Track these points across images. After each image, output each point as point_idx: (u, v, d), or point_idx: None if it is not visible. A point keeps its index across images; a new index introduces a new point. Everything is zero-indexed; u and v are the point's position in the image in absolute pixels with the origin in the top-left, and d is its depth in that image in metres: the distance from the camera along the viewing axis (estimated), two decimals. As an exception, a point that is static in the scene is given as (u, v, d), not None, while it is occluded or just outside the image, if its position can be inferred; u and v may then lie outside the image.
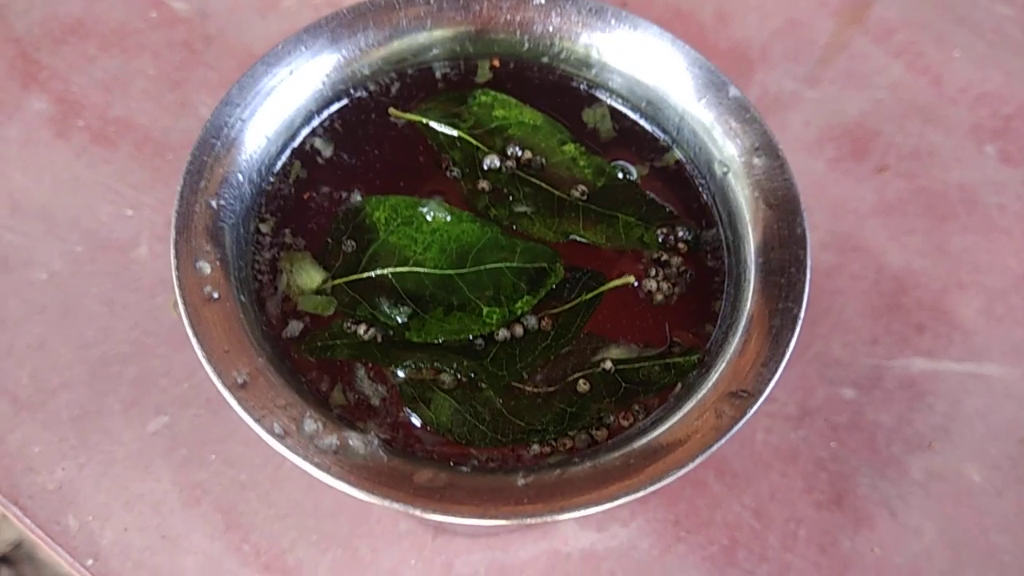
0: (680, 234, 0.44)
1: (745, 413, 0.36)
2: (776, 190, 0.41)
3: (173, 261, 0.37)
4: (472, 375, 0.40)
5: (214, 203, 0.40)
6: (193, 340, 0.36)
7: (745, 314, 0.39)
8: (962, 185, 0.69)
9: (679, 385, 0.40)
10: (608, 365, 0.40)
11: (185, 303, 0.36)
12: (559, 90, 0.47)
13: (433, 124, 0.45)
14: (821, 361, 0.62)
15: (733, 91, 0.43)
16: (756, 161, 0.42)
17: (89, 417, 0.57)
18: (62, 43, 0.69)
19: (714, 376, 0.38)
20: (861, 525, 0.57)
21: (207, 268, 0.38)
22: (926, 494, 0.58)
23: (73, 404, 0.58)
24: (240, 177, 0.41)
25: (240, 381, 0.35)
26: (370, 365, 0.40)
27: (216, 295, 0.37)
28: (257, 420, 0.35)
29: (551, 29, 0.46)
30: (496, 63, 0.47)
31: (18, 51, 0.68)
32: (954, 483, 0.59)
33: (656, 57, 0.45)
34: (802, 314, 0.38)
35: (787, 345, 0.37)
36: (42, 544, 0.54)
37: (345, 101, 0.46)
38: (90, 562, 0.54)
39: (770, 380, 0.37)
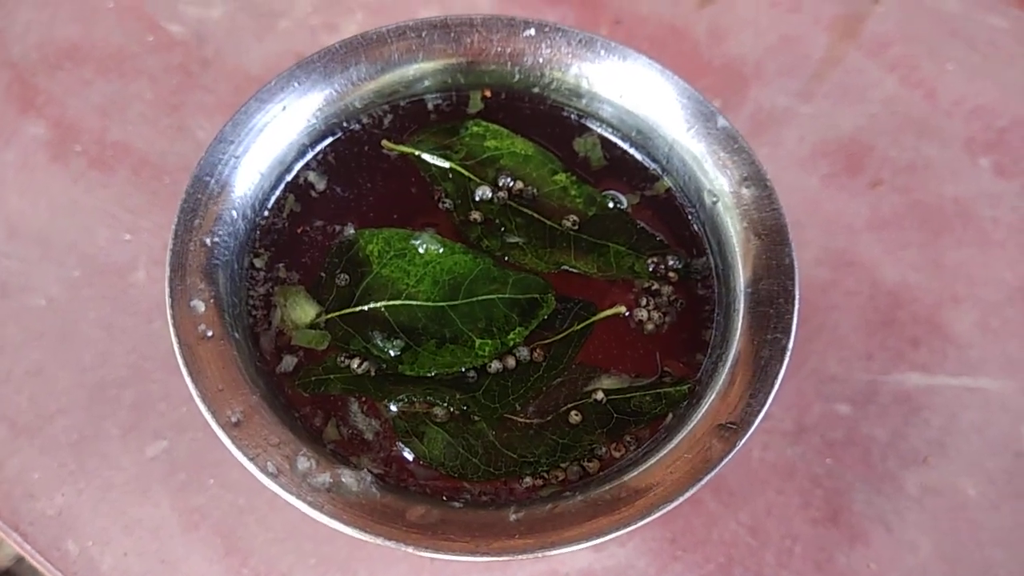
0: (670, 263, 0.44)
1: (734, 446, 0.36)
2: (764, 220, 0.42)
3: (168, 300, 0.37)
4: (465, 408, 0.40)
5: (208, 240, 0.40)
6: (188, 380, 0.36)
7: (735, 344, 0.40)
8: (957, 199, 0.69)
9: (670, 416, 0.40)
10: (600, 396, 0.41)
11: (180, 343, 0.37)
12: (550, 120, 0.48)
13: (425, 156, 0.46)
14: (817, 377, 0.62)
15: (721, 121, 0.44)
16: (745, 191, 0.42)
17: (87, 442, 0.58)
18: (58, 68, 0.69)
19: (704, 408, 0.38)
20: (857, 541, 0.57)
21: (201, 307, 0.38)
22: (921, 509, 0.58)
23: (71, 429, 0.58)
24: (234, 214, 0.41)
25: (234, 420, 0.36)
26: (363, 399, 0.41)
27: (210, 333, 0.38)
28: (251, 459, 0.35)
29: (541, 60, 0.46)
30: (488, 94, 0.48)
31: (15, 75, 0.69)
32: (950, 498, 0.59)
33: (645, 87, 0.45)
34: (791, 345, 0.39)
35: (775, 377, 0.38)
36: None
37: (338, 134, 0.46)
38: (90, 587, 0.54)
39: (759, 412, 0.37)
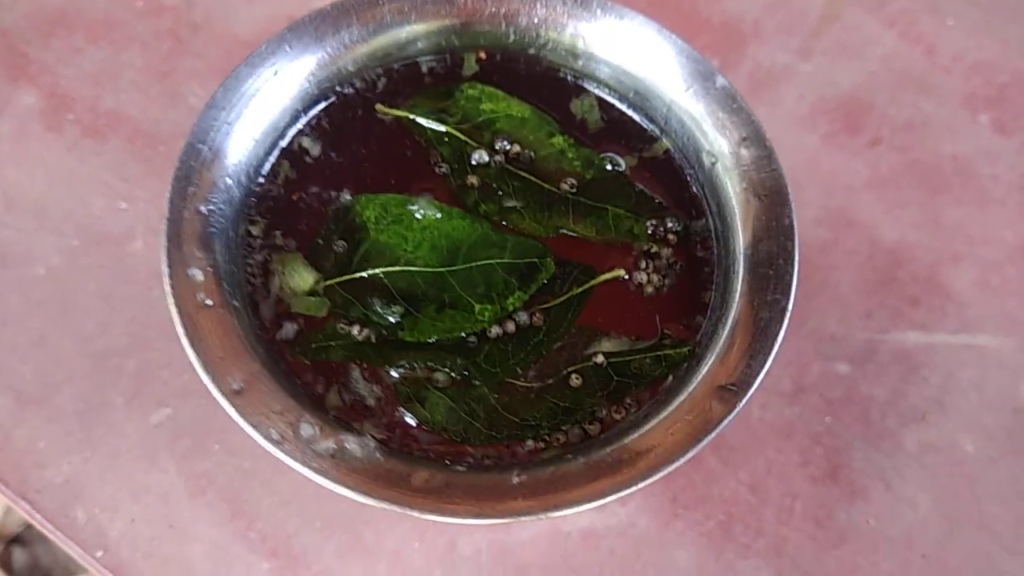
0: (669, 225, 0.44)
1: (734, 408, 0.36)
2: (764, 181, 0.41)
3: (165, 270, 0.37)
4: (466, 373, 0.40)
5: (203, 208, 0.40)
6: (188, 349, 0.36)
7: (734, 306, 0.40)
8: (956, 156, 0.68)
9: (670, 377, 0.40)
10: (600, 359, 0.41)
11: (179, 312, 0.36)
12: (546, 81, 0.47)
13: (420, 120, 0.45)
14: (816, 337, 0.62)
15: (720, 80, 0.43)
16: (744, 152, 0.42)
17: (93, 411, 0.58)
18: (49, 35, 0.68)
19: (703, 370, 0.38)
20: (856, 498, 0.58)
21: (199, 275, 0.38)
22: (920, 466, 0.59)
23: (76, 398, 0.58)
24: (228, 181, 0.41)
25: (236, 388, 0.36)
26: (365, 365, 0.41)
27: (210, 302, 0.38)
28: (255, 427, 0.35)
29: (536, 20, 0.46)
30: (482, 55, 0.47)
31: (5, 45, 0.68)
32: (948, 454, 0.60)
33: (643, 47, 0.44)
34: (790, 306, 0.39)
35: (775, 338, 0.38)
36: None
37: (332, 98, 0.46)
38: (100, 553, 0.55)
39: (758, 374, 0.37)
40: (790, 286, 0.39)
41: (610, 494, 0.35)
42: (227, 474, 0.57)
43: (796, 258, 0.39)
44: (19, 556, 0.97)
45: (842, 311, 0.64)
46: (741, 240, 0.41)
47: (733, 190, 0.42)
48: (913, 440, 0.60)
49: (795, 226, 0.40)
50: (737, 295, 0.40)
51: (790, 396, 0.60)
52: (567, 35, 0.46)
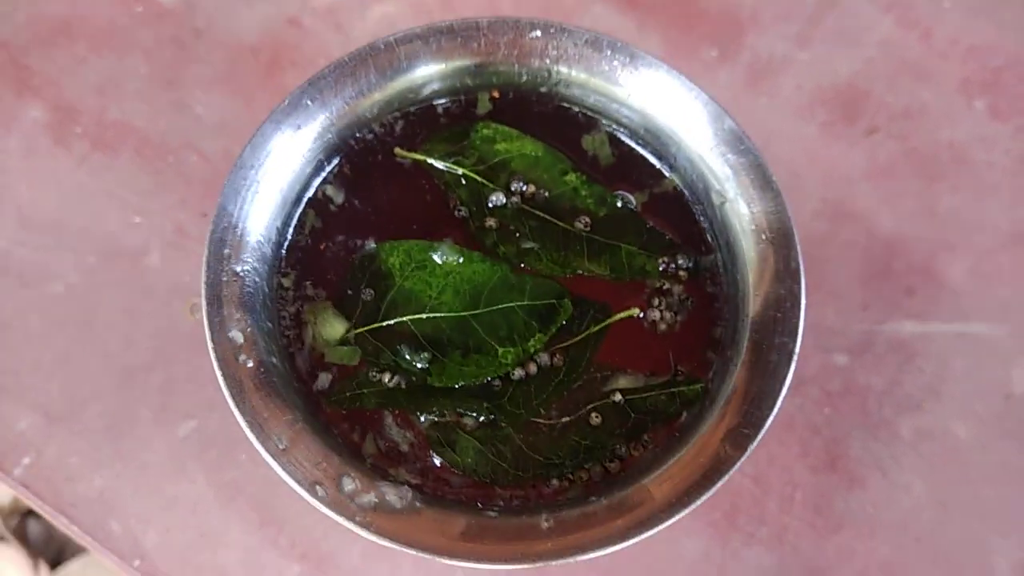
0: (680, 262, 0.46)
1: (745, 450, 0.39)
2: (771, 223, 0.43)
3: (208, 334, 0.39)
4: (492, 416, 0.43)
5: (238, 268, 0.42)
6: (236, 413, 0.38)
7: (743, 348, 0.42)
8: (952, 143, 0.70)
9: (684, 414, 0.43)
10: (617, 397, 0.44)
11: (224, 376, 0.39)
12: (558, 118, 0.49)
13: (438, 164, 0.47)
14: (815, 330, 0.65)
15: (728, 123, 0.44)
16: (752, 192, 0.44)
17: (120, 426, 0.61)
18: (51, 45, 0.68)
19: (715, 411, 0.41)
20: (854, 485, 0.62)
21: (240, 337, 0.40)
22: (916, 453, 0.62)
23: (104, 414, 0.61)
24: (260, 238, 0.42)
25: (282, 447, 0.38)
26: (396, 412, 0.43)
27: (250, 363, 0.40)
28: (302, 485, 0.38)
29: (548, 61, 0.47)
30: (495, 94, 0.48)
31: (7, 57, 0.68)
32: (942, 441, 0.63)
33: (651, 87, 0.46)
34: (797, 349, 0.41)
35: (783, 381, 0.40)
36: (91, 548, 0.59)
37: (352, 145, 0.47)
38: (137, 563, 0.58)
39: (768, 417, 0.40)
40: (797, 329, 0.41)
41: (632, 536, 0.38)
42: (255, 483, 0.60)
43: (803, 303, 0.41)
44: (34, 528, 1.00)
45: (840, 303, 0.66)
46: (750, 280, 0.43)
47: (741, 231, 0.44)
48: (909, 428, 0.63)
49: (801, 270, 0.42)
50: (746, 336, 0.42)
51: (791, 389, 0.63)
52: (577, 74, 0.47)
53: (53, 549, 1.00)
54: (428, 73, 0.47)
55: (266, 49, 0.69)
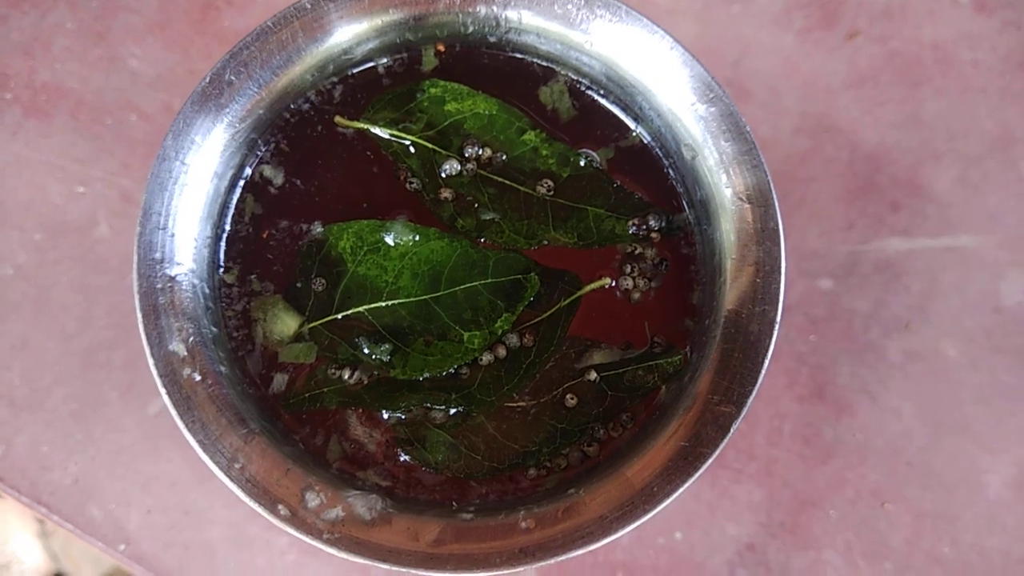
0: (651, 223, 0.43)
1: (728, 430, 0.37)
2: (746, 179, 0.40)
3: (147, 350, 0.36)
4: (462, 407, 0.40)
5: (173, 272, 0.38)
6: (187, 435, 0.36)
7: (722, 317, 0.39)
8: (935, 43, 0.65)
9: (663, 389, 0.41)
10: (593, 375, 0.41)
11: (171, 398, 0.36)
12: (512, 70, 0.44)
13: (383, 132, 0.43)
14: (798, 254, 0.62)
15: (696, 68, 0.40)
16: (724, 145, 0.40)
17: (88, 409, 0.58)
18: (-39, 2, 0.62)
19: (695, 388, 0.39)
20: (843, 413, 0.60)
21: (182, 349, 0.37)
22: (904, 375, 0.61)
23: (70, 398, 0.59)
24: (195, 234, 0.39)
25: (239, 465, 0.36)
26: (360, 411, 0.41)
27: (197, 377, 0.37)
28: (263, 506, 0.36)
29: (495, 7, 0.42)
30: (441, 48, 0.44)
31: (-85, 19, 0.62)
32: (931, 361, 0.61)
33: (613, 31, 0.41)
34: (779, 317, 0.39)
35: (765, 353, 0.38)
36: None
37: (287, 118, 0.43)
38: (123, 547, 0.57)
39: (750, 393, 0.38)
40: (777, 295, 0.39)
41: (615, 531, 0.36)
42: (232, 455, 0.59)
43: (783, 266, 0.39)
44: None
45: (823, 224, 0.63)
46: (725, 241, 0.40)
47: (714, 185, 0.41)
48: (896, 350, 0.62)
49: (780, 230, 0.39)
50: (725, 303, 0.40)
51: (773, 318, 0.61)
52: (529, 20, 0.42)
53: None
54: (362, 30, 0.42)
55: (197, -10, 0.63)
